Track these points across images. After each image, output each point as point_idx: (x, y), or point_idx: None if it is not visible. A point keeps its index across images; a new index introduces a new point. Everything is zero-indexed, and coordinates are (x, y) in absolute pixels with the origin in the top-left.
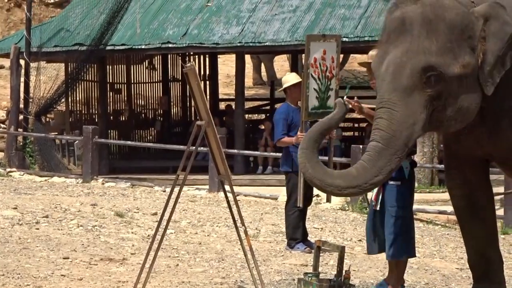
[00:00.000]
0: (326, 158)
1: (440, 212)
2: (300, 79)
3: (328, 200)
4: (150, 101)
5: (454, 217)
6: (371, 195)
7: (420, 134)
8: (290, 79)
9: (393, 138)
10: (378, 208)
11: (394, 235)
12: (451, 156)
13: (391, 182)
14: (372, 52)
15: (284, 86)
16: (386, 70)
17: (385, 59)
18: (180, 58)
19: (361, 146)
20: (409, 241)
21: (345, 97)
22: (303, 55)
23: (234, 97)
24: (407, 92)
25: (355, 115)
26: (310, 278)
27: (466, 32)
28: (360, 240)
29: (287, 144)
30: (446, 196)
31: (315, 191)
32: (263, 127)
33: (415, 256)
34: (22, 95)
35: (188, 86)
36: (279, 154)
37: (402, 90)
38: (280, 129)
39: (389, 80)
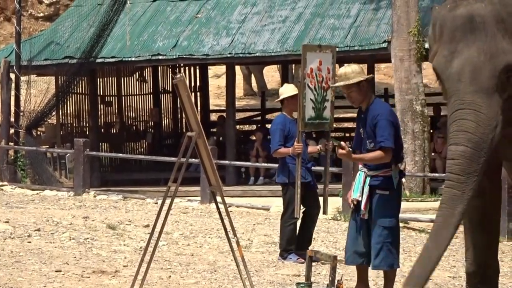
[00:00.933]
0: (322, 168)
1: (432, 221)
2: (297, 91)
3: (325, 212)
4: (141, 113)
5: None
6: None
7: (499, 137)
8: (288, 90)
9: (481, 141)
10: (366, 217)
11: (380, 245)
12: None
13: (380, 192)
14: (344, 69)
15: (281, 97)
16: (461, 71)
17: (455, 58)
18: (170, 69)
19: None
20: (395, 252)
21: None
22: (294, 65)
23: (225, 108)
24: (489, 93)
25: (346, 124)
26: None
27: None
28: None
29: (284, 154)
30: (438, 204)
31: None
32: (254, 137)
33: (398, 267)
34: (12, 108)
35: (178, 98)
36: (271, 165)
37: (485, 91)
38: (277, 140)
39: (468, 81)
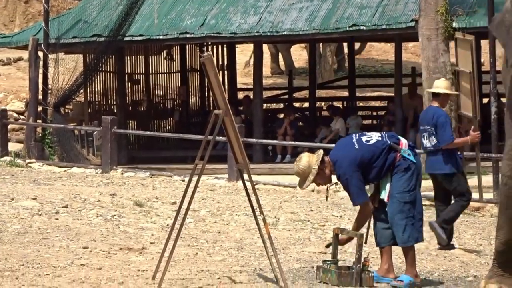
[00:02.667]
0: None
1: None
2: (453, 92)
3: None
4: (168, 91)
5: (473, 204)
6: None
7: None
8: (445, 87)
9: None
10: (386, 200)
11: (405, 221)
12: None
13: (398, 173)
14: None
15: (439, 91)
16: None
17: None
18: (198, 48)
19: None
20: (419, 226)
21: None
22: (321, 44)
23: (252, 87)
24: None
25: (373, 103)
26: (329, 266)
27: None
28: None
29: (462, 144)
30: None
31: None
32: (282, 116)
33: (423, 240)
34: (40, 86)
35: (205, 76)
36: (298, 143)
37: None
38: (450, 131)
39: None
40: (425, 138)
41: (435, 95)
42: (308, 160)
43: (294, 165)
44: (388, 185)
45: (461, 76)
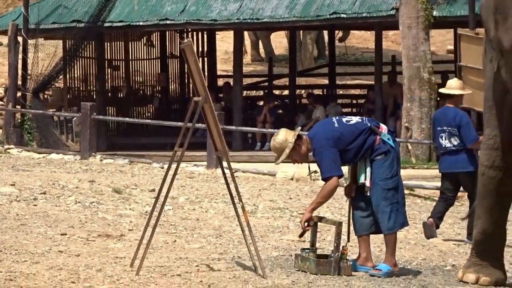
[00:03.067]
0: None
1: (438, 188)
2: (466, 92)
3: None
4: (148, 77)
5: None
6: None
7: None
8: (459, 87)
9: None
10: (368, 184)
11: (389, 208)
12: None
13: (378, 157)
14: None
15: (453, 92)
16: None
17: None
18: (178, 34)
19: None
20: (403, 211)
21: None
22: (301, 31)
23: (232, 74)
24: None
25: (353, 91)
26: (307, 254)
27: None
28: None
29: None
30: None
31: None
32: (262, 103)
33: (408, 225)
34: (20, 72)
35: (185, 63)
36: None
37: None
38: (475, 131)
39: None
40: (444, 138)
41: (449, 96)
42: (285, 134)
43: (271, 140)
44: (368, 169)
45: (464, 71)
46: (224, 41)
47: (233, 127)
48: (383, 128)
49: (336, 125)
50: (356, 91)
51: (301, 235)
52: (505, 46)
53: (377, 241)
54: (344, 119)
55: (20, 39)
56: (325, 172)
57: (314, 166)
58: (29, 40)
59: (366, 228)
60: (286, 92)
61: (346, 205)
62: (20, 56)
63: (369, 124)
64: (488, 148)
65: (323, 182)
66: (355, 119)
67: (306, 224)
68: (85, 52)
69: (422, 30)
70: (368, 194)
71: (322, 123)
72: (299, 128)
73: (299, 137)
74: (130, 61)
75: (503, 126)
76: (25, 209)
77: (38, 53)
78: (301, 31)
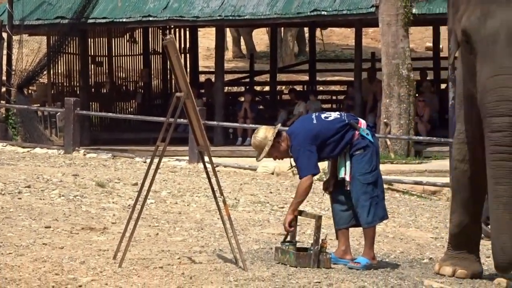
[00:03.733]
0: None
1: (416, 183)
2: None
3: None
4: (131, 73)
5: (430, 188)
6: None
7: None
8: None
9: None
10: (348, 179)
11: (369, 201)
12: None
13: (357, 152)
14: None
15: None
16: (497, 32)
17: (488, 19)
18: (160, 31)
19: None
20: (382, 204)
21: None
22: (282, 28)
23: (214, 70)
24: None
25: (333, 87)
26: (287, 247)
27: None
28: None
29: None
30: (421, 167)
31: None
32: (243, 99)
33: (388, 218)
34: (4, 67)
35: (168, 59)
36: (259, 126)
37: None
38: None
39: (505, 44)
40: None
41: None
42: (265, 132)
43: (252, 138)
44: (348, 164)
45: None
46: (206, 38)
47: (215, 123)
48: (362, 123)
49: (314, 121)
50: (336, 87)
51: (285, 238)
52: (458, 38)
53: (355, 234)
54: (322, 115)
55: (4, 35)
56: (302, 171)
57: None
58: (13, 36)
59: (345, 222)
60: (267, 88)
61: (326, 199)
62: (4, 51)
63: (347, 120)
64: (459, 143)
65: (298, 176)
66: (333, 115)
67: (289, 225)
68: (69, 48)
69: (402, 27)
70: (348, 188)
71: (301, 120)
72: (279, 124)
73: (278, 134)
74: (113, 57)
75: (472, 121)
76: (10, 202)
77: (23, 49)
78: (282, 28)
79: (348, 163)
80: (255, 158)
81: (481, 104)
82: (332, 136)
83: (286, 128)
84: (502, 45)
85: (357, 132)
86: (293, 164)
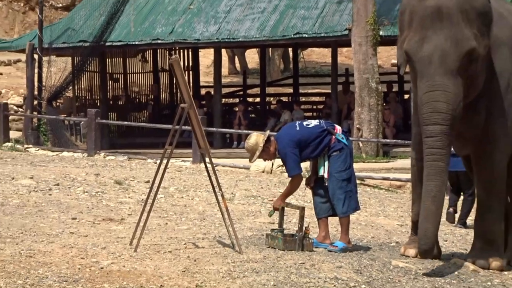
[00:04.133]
0: None
1: (384, 179)
2: None
3: None
4: (143, 88)
5: (396, 183)
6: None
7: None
8: None
9: (452, 117)
10: (326, 176)
11: (344, 195)
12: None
13: (334, 153)
14: None
15: None
16: (432, 55)
17: (425, 43)
18: (167, 52)
19: None
20: (355, 197)
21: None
22: (270, 49)
23: (213, 85)
24: (455, 74)
25: (313, 98)
26: (276, 233)
27: (487, 19)
28: None
29: None
30: (388, 165)
31: (277, 162)
32: (237, 109)
33: (360, 209)
34: (36, 84)
35: (174, 75)
36: (251, 132)
37: (452, 72)
38: None
39: (438, 64)
40: None
41: None
42: (256, 138)
43: (245, 143)
44: (326, 163)
45: None
46: (206, 57)
47: (214, 129)
48: (338, 129)
49: (297, 128)
50: (316, 98)
51: (270, 215)
52: (397, 60)
53: (333, 222)
54: (304, 123)
55: (35, 56)
56: (291, 171)
57: (277, 162)
58: (43, 57)
59: (324, 212)
60: (258, 99)
61: (308, 193)
62: (36, 70)
63: (325, 126)
64: (415, 144)
65: (287, 175)
66: (313, 123)
67: (276, 206)
68: (90, 67)
69: (371, 47)
70: (326, 184)
71: (287, 127)
72: (268, 131)
73: (268, 140)
74: (128, 74)
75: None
76: (42, 198)
77: (51, 68)
78: (270, 49)
79: (326, 162)
80: (248, 159)
81: (419, 115)
82: (313, 140)
83: (275, 134)
84: (436, 65)
85: (333, 137)
86: (275, 165)
